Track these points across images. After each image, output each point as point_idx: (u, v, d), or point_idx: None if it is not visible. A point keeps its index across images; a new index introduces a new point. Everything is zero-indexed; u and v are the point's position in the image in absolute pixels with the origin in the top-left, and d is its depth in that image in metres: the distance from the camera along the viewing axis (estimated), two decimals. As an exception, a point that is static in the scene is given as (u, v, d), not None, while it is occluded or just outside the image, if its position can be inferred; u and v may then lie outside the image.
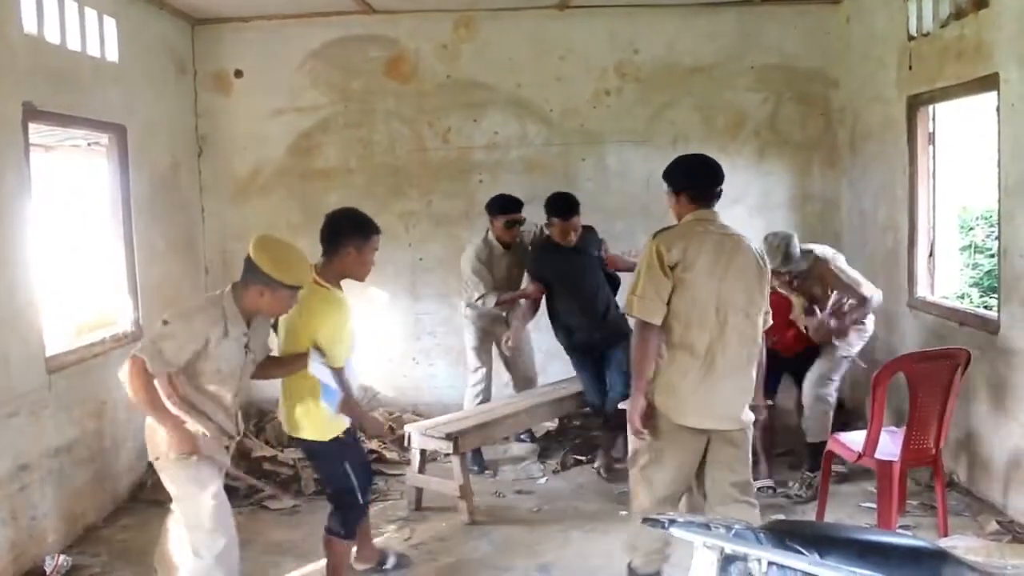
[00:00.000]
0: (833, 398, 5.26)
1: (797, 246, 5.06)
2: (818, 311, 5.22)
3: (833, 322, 5.19)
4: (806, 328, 5.26)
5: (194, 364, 3.45)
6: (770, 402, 4.98)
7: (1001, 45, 4.53)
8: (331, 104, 6.80)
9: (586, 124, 6.82)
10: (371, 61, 6.77)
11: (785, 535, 2.21)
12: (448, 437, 4.94)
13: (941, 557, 2.22)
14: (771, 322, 3.68)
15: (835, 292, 5.22)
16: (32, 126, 4.57)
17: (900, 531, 4.14)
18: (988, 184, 5.21)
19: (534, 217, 5.86)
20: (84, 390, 4.96)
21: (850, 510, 4.81)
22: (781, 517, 4.56)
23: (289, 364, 3.78)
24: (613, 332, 5.51)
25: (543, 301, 5.72)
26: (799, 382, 5.36)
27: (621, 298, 4.89)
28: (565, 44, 6.77)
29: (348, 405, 3.83)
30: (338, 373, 3.78)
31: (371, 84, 6.79)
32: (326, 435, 3.85)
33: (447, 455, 5.03)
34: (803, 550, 2.13)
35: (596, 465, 5.73)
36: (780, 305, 4.99)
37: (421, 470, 5.17)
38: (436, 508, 5.13)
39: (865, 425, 4.41)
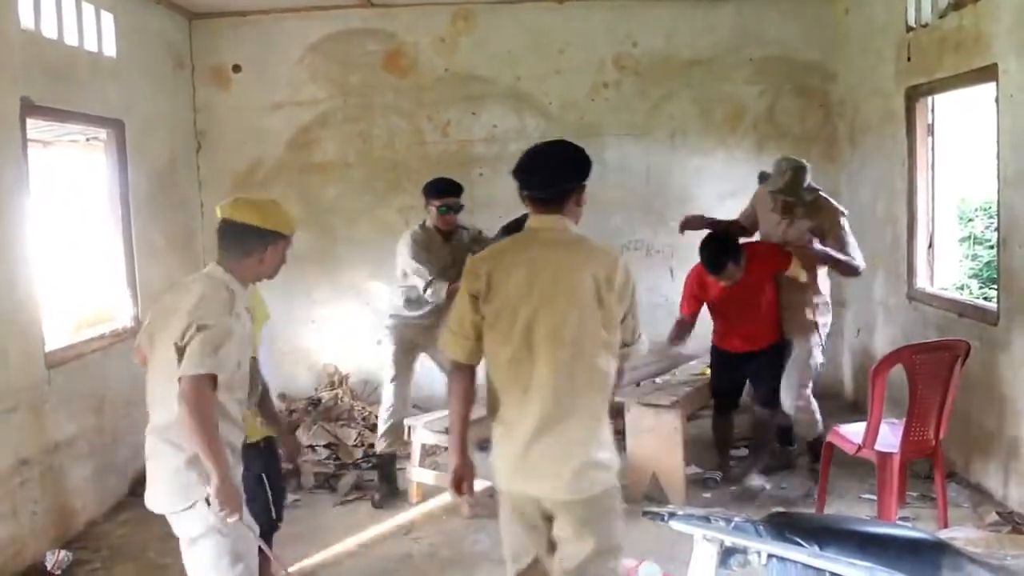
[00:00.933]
0: (813, 401, 5.12)
1: (807, 179, 4.90)
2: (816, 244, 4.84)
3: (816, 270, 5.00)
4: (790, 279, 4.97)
5: None
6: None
7: (1000, 36, 4.52)
8: (330, 98, 6.79)
9: (585, 117, 6.81)
10: (369, 55, 6.76)
11: (784, 527, 2.22)
12: (448, 431, 4.93)
13: (940, 548, 2.23)
14: (642, 351, 2.95)
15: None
16: (30, 121, 4.57)
17: (899, 523, 4.15)
18: (987, 175, 5.21)
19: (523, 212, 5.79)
20: (84, 385, 4.96)
21: (850, 502, 4.82)
22: (781, 510, 4.57)
23: None
24: None
25: None
26: (755, 383, 5.19)
27: None
28: (564, 37, 6.76)
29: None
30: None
31: (369, 78, 6.78)
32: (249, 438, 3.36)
33: (447, 449, 5.02)
34: (802, 542, 2.14)
35: None
36: (768, 261, 4.94)
37: (421, 464, 5.18)
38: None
39: (865, 417, 4.41)
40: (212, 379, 2.80)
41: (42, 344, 4.60)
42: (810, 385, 5.13)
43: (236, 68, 6.74)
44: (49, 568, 4.37)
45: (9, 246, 4.35)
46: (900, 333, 5.75)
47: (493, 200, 6.06)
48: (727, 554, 2.25)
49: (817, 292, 5.06)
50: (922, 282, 5.61)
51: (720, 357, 5.23)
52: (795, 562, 2.15)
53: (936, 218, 5.64)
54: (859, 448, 4.28)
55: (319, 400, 6.61)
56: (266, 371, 3.54)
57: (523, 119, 6.82)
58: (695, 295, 5.08)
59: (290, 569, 4.36)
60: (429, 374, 5.92)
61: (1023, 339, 4.46)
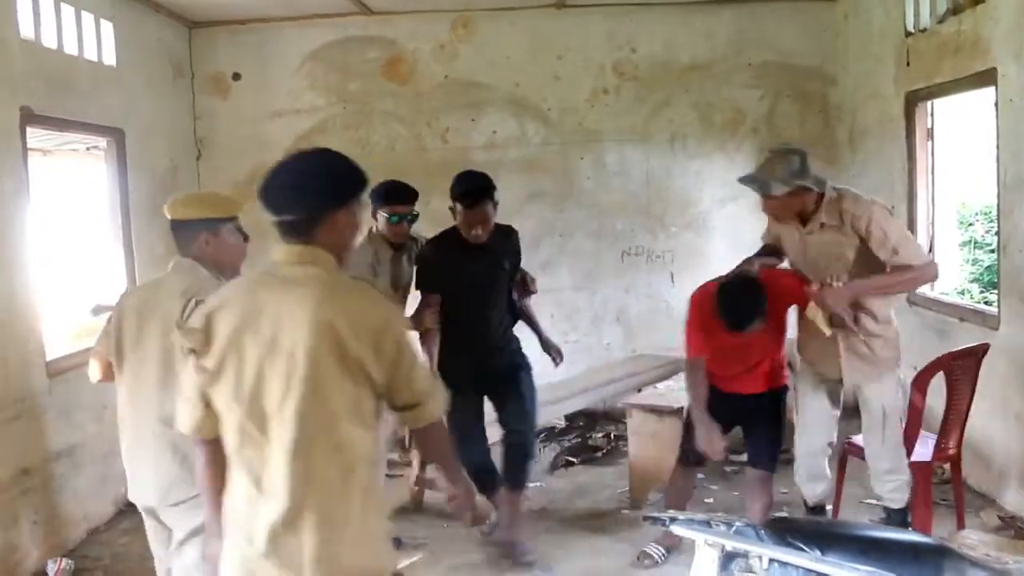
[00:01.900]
0: (907, 470, 4.00)
1: (793, 168, 3.69)
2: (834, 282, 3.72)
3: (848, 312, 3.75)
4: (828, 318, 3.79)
5: None
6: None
7: (998, 40, 4.53)
8: (329, 106, 6.80)
9: (584, 123, 6.82)
10: (369, 62, 6.77)
11: (786, 532, 2.22)
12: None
13: (942, 553, 2.22)
14: (437, 413, 2.31)
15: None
16: (30, 131, 4.57)
17: (901, 527, 4.13)
18: (987, 179, 5.21)
19: (524, 218, 5.76)
20: (84, 394, 4.94)
21: (856, 508, 4.80)
22: (783, 514, 4.56)
23: None
24: (509, 363, 4.48)
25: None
26: (749, 434, 4.30)
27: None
28: (563, 43, 6.77)
29: None
30: None
31: (369, 85, 6.79)
32: None
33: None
34: (804, 547, 2.14)
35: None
36: (780, 297, 3.87)
37: (422, 471, 5.17)
38: (437, 510, 5.12)
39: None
40: None
41: (43, 353, 4.60)
42: (903, 452, 3.99)
43: (236, 76, 6.76)
44: (50, 577, 4.37)
45: (9, 255, 4.36)
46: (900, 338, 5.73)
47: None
48: (728, 559, 2.25)
49: (872, 317, 3.86)
50: (922, 286, 5.59)
51: None
52: (797, 567, 2.14)
53: (936, 222, 5.64)
54: None
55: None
56: None
57: (523, 125, 6.83)
58: (702, 330, 3.94)
59: None
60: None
61: (1024, 343, 4.46)
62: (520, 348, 4.59)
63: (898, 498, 3.97)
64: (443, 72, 6.78)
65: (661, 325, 5.56)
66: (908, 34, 5.52)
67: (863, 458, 4.16)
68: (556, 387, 6.03)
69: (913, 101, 5.54)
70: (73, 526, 4.80)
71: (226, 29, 6.68)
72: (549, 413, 5.95)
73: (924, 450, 4.15)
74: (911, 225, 5.59)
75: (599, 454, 5.98)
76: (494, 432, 4.56)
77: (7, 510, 4.26)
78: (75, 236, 5.55)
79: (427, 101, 6.81)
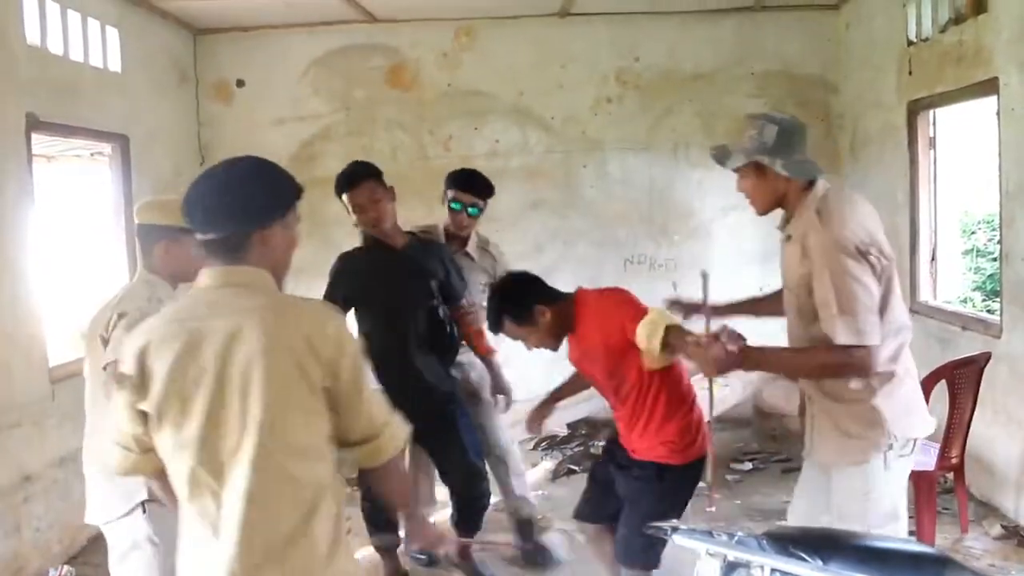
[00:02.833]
0: None
1: (777, 143, 2.78)
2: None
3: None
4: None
5: None
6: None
7: (1000, 49, 4.54)
8: (332, 113, 6.82)
9: (587, 131, 6.84)
10: (372, 70, 6.79)
11: (789, 542, 2.22)
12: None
13: (943, 563, 2.22)
14: (397, 452, 2.10)
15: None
16: (35, 136, 4.58)
17: (904, 537, 4.12)
18: (989, 188, 5.21)
19: (527, 227, 5.75)
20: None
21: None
22: (784, 523, 4.55)
23: None
24: (438, 403, 3.90)
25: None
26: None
27: None
28: (566, 52, 6.78)
29: None
30: None
31: (372, 93, 6.81)
32: None
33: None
34: (806, 556, 2.13)
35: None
36: (601, 315, 3.18)
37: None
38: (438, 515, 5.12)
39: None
40: None
41: (46, 359, 4.60)
42: None
43: (240, 83, 6.78)
44: (52, 583, 4.36)
45: (13, 261, 4.37)
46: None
47: (494, 215, 6.04)
48: (730, 569, 2.24)
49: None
50: (925, 295, 5.61)
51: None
52: (799, 576, 2.14)
53: (939, 231, 5.65)
54: None
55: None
56: None
57: (525, 134, 6.84)
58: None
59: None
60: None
61: (1026, 352, 4.45)
62: (455, 390, 4.04)
63: None
64: (446, 80, 6.80)
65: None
66: (910, 43, 5.53)
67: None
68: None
69: (915, 110, 5.55)
70: (75, 533, 4.79)
71: (230, 36, 6.71)
72: (552, 421, 5.96)
73: (927, 459, 4.13)
74: (913, 233, 5.59)
75: (601, 462, 5.97)
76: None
77: (9, 516, 4.26)
78: (78, 241, 5.55)
79: (430, 109, 6.82)
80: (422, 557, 4.29)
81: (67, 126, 4.91)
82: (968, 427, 4.22)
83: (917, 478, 4.06)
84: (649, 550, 3.08)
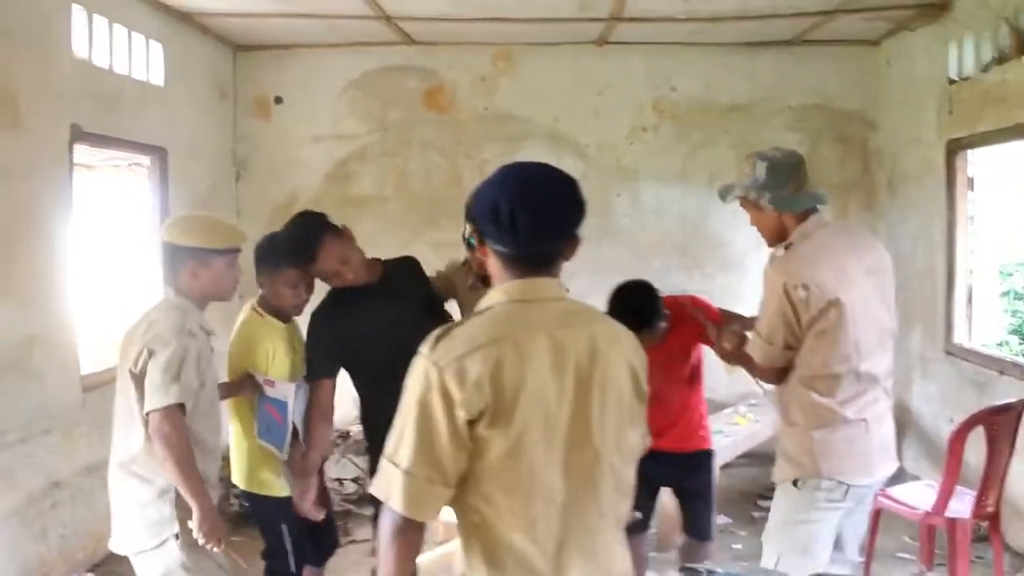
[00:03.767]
0: None
1: (768, 179, 2.97)
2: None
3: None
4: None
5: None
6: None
7: (1045, 92, 4.50)
8: (369, 133, 6.86)
9: (622, 160, 6.83)
10: (410, 91, 6.83)
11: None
12: None
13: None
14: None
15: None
16: (77, 147, 4.65)
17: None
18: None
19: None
20: (117, 410, 4.98)
21: (885, 561, 4.71)
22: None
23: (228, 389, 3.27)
24: None
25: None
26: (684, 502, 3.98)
27: None
28: (603, 80, 6.79)
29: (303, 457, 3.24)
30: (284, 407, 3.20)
31: (409, 114, 6.84)
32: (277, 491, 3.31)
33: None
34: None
35: None
36: (689, 320, 3.67)
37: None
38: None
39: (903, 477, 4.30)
40: (181, 408, 2.79)
41: (78, 368, 4.64)
42: None
43: (278, 100, 6.84)
44: (74, 592, 4.37)
45: (51, 270, 4.41)
46: (936, 388, 5.66)
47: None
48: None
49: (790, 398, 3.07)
50: (960, 337, 5.53)
51: None
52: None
53: (976, 272, 5.58)
54: (927, 514, 4.10)
55: (347, 433, 6.59)
56: (300, 408, 3.32)
57: (560, 160, 6.82)
58: None
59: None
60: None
61: (1065, 399, 4.37)
62: None
63: None
64: (483, 104, 6.83)
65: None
66: (951, 82, 5.49)
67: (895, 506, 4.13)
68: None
69: (954, 149, 5.50)
70: (100, 541, 4.79)
71: (271, 53, 6.78)
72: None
73: (962, 506, 4.07)
74: (950, 274, 5.52)
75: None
76: None
77: (37, 522, 4.28)
78: (114, 250, 5.60)
79: (466, 132, 6.85)
80: None
81: (109, 137, 4.98)
82: (1004, 475, 4.13)
83: (951, 525, 3.99)
84: None
